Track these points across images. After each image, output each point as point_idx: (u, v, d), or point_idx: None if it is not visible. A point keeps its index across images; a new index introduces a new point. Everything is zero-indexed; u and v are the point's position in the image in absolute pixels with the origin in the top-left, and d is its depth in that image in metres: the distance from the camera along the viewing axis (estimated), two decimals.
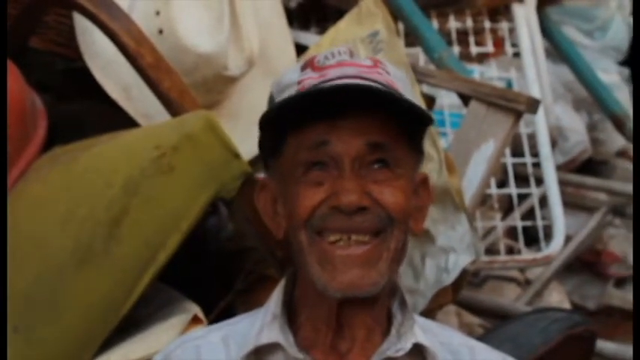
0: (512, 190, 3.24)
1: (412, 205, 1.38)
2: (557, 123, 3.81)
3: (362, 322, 1.37)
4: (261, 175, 1.94)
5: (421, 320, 1.44)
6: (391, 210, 1.33)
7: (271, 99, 1.41)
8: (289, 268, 1.45)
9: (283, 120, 1.34)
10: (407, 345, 1.35)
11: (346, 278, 1.32)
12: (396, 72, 1.40)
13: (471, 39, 3.44)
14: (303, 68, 1.39)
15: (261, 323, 1.38)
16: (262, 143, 1.41)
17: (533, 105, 2.49)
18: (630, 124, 3.75)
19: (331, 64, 1.37)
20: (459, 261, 2.15)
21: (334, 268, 1.32)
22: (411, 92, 1.40)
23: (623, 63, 4.24)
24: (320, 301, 1.36)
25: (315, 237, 1.33)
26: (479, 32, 3.46)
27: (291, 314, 1.40)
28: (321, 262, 1.33)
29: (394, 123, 1.33)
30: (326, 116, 1.32)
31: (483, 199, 3.02)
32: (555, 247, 3.18)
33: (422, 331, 1.39)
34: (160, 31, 2.05)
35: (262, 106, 2.20)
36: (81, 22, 2.07)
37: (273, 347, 1.36)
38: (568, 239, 3.50)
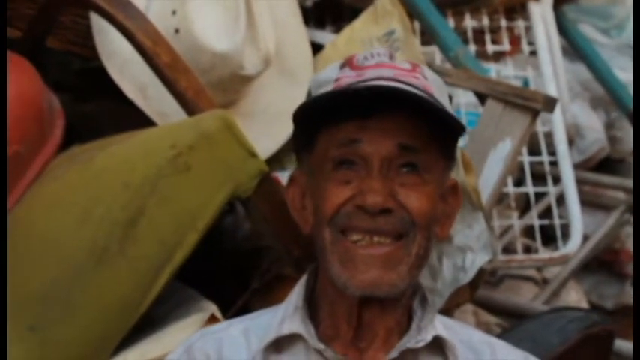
0: (530, 188, 3.23)
1: (439, 211, 1.38)
2: (574, 121, 3.80)
3: (382, 323, 1.38)
4: (276, 174, 1.95)
5: (441, 318, 1.44)
6: (415, 215, 1.33)
7: (309, 94, 1.42)
8: (311, 264, 1.45)
9: (317, 116, 1.35)
10: (427, 337, 1.36)
11: (367, 277, 1.32)
12: (433, 77, 1.40)
13: (487, 37, 3.42)
14: (342, 66, 1.39)
15: (283, 315, 1.39)
16: (296, 137, 1.41)
17: (550, 103, 2.49)
18: None
19: (370, 65, 1.37)
20: (476, 260, 2.15)
21: (355, 267, 1.33)
22: (447, 98, 1.40)
23: None
24: (340, 299, 1.37)
25: (339, 235, 1.34)
26: (495, 30, 3.45)
27: (312, 308, 1.40)
28: (343, 261, 1.33)
29: (426, 128, 1.33)
30: (359, 115, 1.33)
31: (500, 198, 3.01)
32: (573, 246, 3.17)
33: (443, 327, 1.39)
34: (177, 31, 2.06)
35: (278, 105, 2.23)
36: (97, 22, 2.07)
37: (294, 338, 1.37)
38: (585, 238, 3.49)
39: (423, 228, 1.34)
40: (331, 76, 1.38)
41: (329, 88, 1.37)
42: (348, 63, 1.39)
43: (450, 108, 1.40)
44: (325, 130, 1.35)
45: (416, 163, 1.34)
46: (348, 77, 1.36)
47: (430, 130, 1.34)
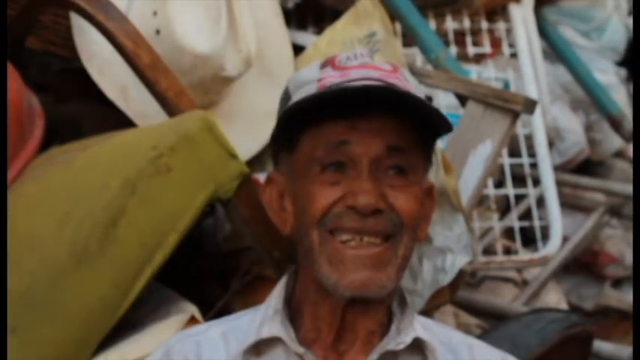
0: (510, 190, 3.24)
1: (421, 213, 1.39)
2: (555, 124, 3.82)
3: (364, 325, 1.38)
4: (257, 175, 1.95)
5: (421, 319, 1.44)
6: (403, 216, 1.34)
7: (287, 94, 1.41)
8: (291, 266, 1.45)
9: (302, 116, 1.34)
10: (407, 339, 1.36)
11: (357, 278, 1.32)
12: (411, 79, 1.41)
13: (469, 39, 3.44)
14: (323, 66, 1.39)
15: (263, 318, 1.39)
16: (276, 137, 1.41)
17: (530, 105, 2.49)
18: (627, 125, 3.76)
19: (353, 65, 1.37)
20: (456, 261, 2.15)
21: (345, 268, 1.33)
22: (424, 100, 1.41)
23: (621, 63, 4.24)
24: (323, 301, 1.37)
25: (327, 236, 1.34)
26: (476, 33, 3.46)
27: (292, 311, 1.40)
28: (332, 262, 1.33)
29: (411, 129, 1.34)
30: (346, 116, 1.32)
31: (480, 200, 3.02)
32: (552, 248, 3.18)
33: (422, 328, 1.40)
34: (158, 32, 2.05)
35: (259, 106, 2.22)
36: (78, 23, 2.06)
37: (274, 342, 1.37)
38: (565, 240, 3.51)
39: (410, 229, 1.35)
40: (312, 76, 1.38)
41: (312, 88, 1.36)
42: (329, 63, 1.39)
43: None
44: (310, 130, 1.35)
45: (403, 166, 1.34)
46: (332, 77, 1.36)
47: (415, 131, 1.34)
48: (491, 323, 2.95)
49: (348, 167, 1.33)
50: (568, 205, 3.78)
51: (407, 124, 1.33)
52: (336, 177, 1.34)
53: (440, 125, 1.35)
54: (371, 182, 1.32)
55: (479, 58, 3.57)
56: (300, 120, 1.35)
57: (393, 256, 1.34)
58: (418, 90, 1.41)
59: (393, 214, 1.33)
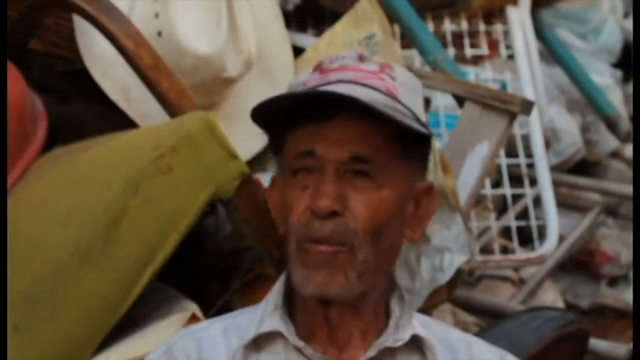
0: (507, 190, 3.25)
1: (406, 214, 1.39)
2: (551, 124, 3.83)
3: (353, 324, 1.39)
4: (258, 175, 1.96)
5: (419, 316, 1.45)
6: (360, 220, 1.33)
7: None
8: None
9: (279, 121, 1.36)
10: (405, 336, 1.37)
11: (317, 279, 1.33)
12: (404, 78, 1.41)
13: (466, 41, 3.45)
14: (314, 69, 1.40)
15: (263, 313, 1.40)
16: (269, 141, 1.43)
17: (527, 106, 2.51)
18: (623, 126, 3.78)
19: (334, 68, 1.38)
20: (454, 260, 2.17)
21: (309, 269, 1.34)
22: (420, 98, 1.41)
23: (616, 65, 4.26)
24: (305, 301, 1.39)
25: (300, 243, 1.36)
26: (474, 35, 3.48)
27: (291, 307, 1.42)
28: (302, 264, 1.35)
29: (382, 130, 1.33)
30: (315, 120, 1.34)
31: (478, 200, 3.03)
32: (549, 247, 3.20)
33: (420, 325, 1.41)
34: (159, 34, 2.06)
35: None
36: (80, 24, 2.07)
37: (274, 336, 1.38)
38: (561, 239, 3.52)
39: (369, 234, 1.34)
40: (302, 79, 1.40)
41: (297, 90, 1.39)
42: (318, 66, 1.41)
43: (420, 108, 1.39)
44: (288, 134, 1.37)
45: (368, 171, 1.34)
46: (314, 81, 1.38)
47: (387, 132, 1.34)
48: (488, 321, 2.96)
49: (316, 170, 1.35)
50: (564, 204, 3.79)
51: (376, 126, 1.33)
52: (306, 180, 1.35)
53: (405, 127, 1.33)
54: (332, 184, 1.33)
55: (476, 60, 3.58)
56: (278, 124, 1.37)
57: (352, 260, 1.34)
58: (411, 89, 1.39)
59: (351, 216, 1.33)
